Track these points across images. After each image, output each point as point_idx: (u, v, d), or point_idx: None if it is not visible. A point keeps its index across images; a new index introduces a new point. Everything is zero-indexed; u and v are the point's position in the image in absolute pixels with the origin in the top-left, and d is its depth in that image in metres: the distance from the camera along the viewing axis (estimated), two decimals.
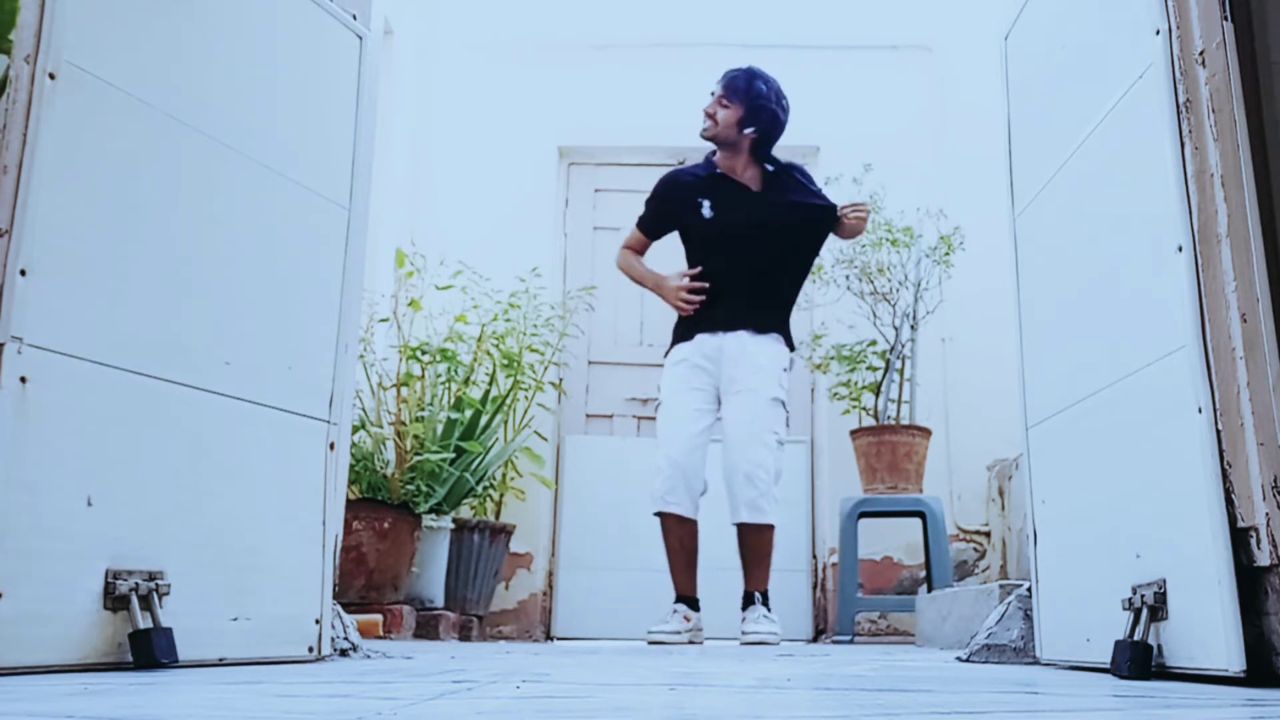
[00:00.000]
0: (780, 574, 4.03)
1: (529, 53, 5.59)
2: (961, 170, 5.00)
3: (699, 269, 3.84)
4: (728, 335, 3.77)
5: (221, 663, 1.85)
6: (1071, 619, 2.10)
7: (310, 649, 2.07)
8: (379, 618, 3.58)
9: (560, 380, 5.28)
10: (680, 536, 3.75)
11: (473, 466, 4.36)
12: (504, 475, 4.89)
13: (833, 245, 4.34)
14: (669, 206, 3.97)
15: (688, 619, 3.74)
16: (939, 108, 5.38)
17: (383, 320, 4.49)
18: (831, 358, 4.87)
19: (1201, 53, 1.72)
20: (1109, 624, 1.84)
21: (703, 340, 3.80)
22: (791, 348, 3.88)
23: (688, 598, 3.78)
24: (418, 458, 4.08)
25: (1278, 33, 1.73)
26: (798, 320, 3.94)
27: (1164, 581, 1.71)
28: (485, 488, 4.68)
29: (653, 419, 4.18)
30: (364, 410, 4.21)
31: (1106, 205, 2.00)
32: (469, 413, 4.39)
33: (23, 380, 1.56)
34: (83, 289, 1.68)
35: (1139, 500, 1.83)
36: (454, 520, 4.37)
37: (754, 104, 3.80)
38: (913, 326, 4.70)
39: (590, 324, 5.37)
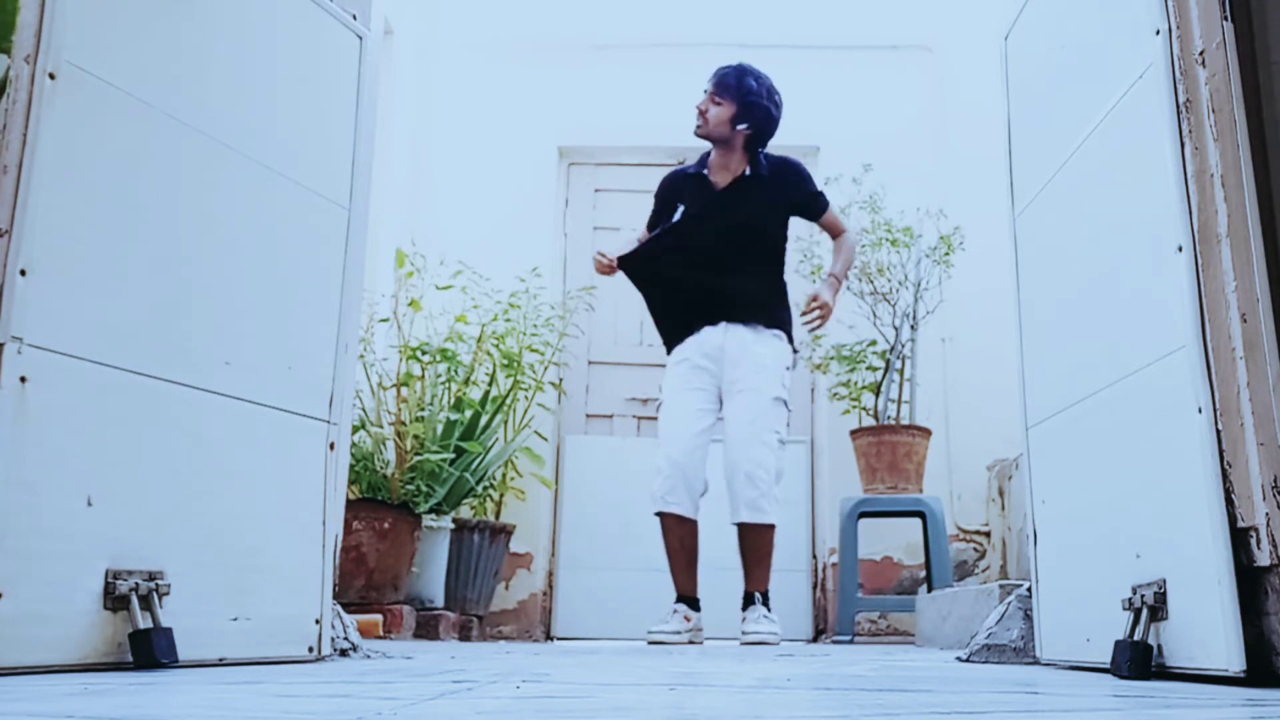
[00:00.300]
0: (780, 574, 4.03)
1: (529, 53, 5.59)
2: (961, 170, 5.00)
3: (614, 257, 3.88)
4: (728, 332, 3.77)
5: (221, 663, 1.85)
6: (1071, 619, 2.10)
7: (310, 649, 2.07)
8: (379, 618, 3.58)
9: (560, 380, 5.28)
10: (680, 536, 3.75)
11: (473, 466, 4.36)
12: (504, 475, 4.89)
13: (831, 246, 4.34)
14: (662, 205, 4.02)
15: (688, 619, 3.74)
16: (939, 108, 5.38)
17: (383, 320, 4.49)
18: (831, 358, 4.87)
19: (1201, 53, 1.72)
20: (1109, 624, 1.84)
21: (703, 340, 3.80)
22: (794, 347, 3.89)
23: (688, 598, 3.78)
24: (418, 458, 4.08)
25: (1278, 33, 1.73)
26: (797, 320, 3.94)
27: (1164, 581, 1.71)
28: (485, 488, 4.68)
29: (653, 419, 4.20)
30: (364, 410, 4.21)
31: (1106, 205, 2.00)
32: (469, 413, 4.39)
33: (23, 380, 1.57)
34: (83, 289, 1.68)
35: (1139, 500, 1.83)
36: (454, 520, 4.37)
37: (745, 100, 3.80)
38: (913, 326, 4.70)
39: (590, 324, 5.37)
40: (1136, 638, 1.72)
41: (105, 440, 1.71)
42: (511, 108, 5.53)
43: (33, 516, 1.57)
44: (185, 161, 1.90)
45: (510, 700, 1.27)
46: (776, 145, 3.98)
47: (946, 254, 4.69)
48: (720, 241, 3.81)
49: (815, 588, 5.15)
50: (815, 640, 4.99)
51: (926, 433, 4.59)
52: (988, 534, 5.05)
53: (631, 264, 3.89)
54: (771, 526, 3.71)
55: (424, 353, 4.41)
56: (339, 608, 2.27)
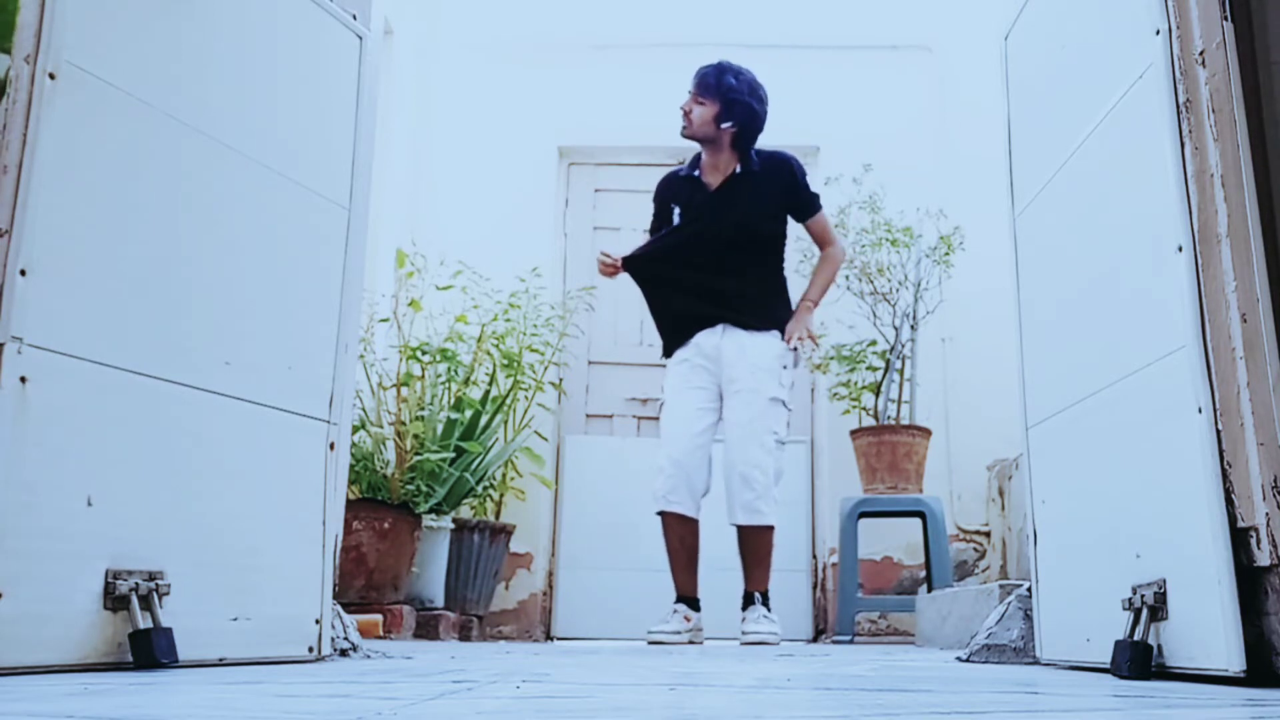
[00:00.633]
0: (780, 574, 4.03)
1: (529, 53, 5.59)
2: (961, 170, 5.00)
3: (619, 258, 3.87)
4: (725, 335, 3.77)
5: (221, 663, 1.85)
6: (1071, 619, 2.10)
7: (310, 649, 2.07)
8: (379, 618, 3.58)
9: (560, 380, 5.28)
10: (681, 535, 3.75)
11: (473, 466, 4.36)
12: (504, 475, 4.89)
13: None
14: (659, 209, 4.01)
15: (688, 619, 3.74)
16: (939, 108, 5.38)
17: (383, 320, 4.49)
18: (831, 358, 4.87)
19: (1201, 53, 1.72)
20: (1109, 624, 1.84)
21: (701, 342, 3.81)
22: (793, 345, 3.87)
23: (688, 598, 3.78)
24: (418, 458, 4.08)
25: (1278, 33, 1.73)
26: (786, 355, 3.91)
27: (1164, 581, 1.71)
28: (485, 488, 4.68)
29: (653, 419, 4.20)
30: (364, 410, 4.21)
31: (1106, 205, 2.00)
32: (469, 413, 4.39)
33: (23, 380, 1.56)
34: (83, 289, 1.68)
35: (1139, 500, 1.83)
36: (454, 520, 4.37)
37: (727, 98, 3.78)
38: (913, 326, 4.70)
39: (590, 324, 5.37)
40: (1136, 638, 1.72)
41: (105, 440, 1.71)
42: (511, 108, 5.53)
43: (33, 516, 1.57)
44: (185, 161, 1.90)
45: (510, 700, 1.27)
46: (777, 145, 3.98)
47: (946, 254, 4.69)
48: (715, 243, 3.80)
49: (815, 588, 5.15)
50: (815, 640, 4.99)
51: (926, 433, 4.59)
52: (988, 534, 5.05)
53: (636, 265, 3.90)
54: (769, 528, 3.70)
55: (424, 353, 4.41)
56: (339, 608, 2.27)
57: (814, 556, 5.19)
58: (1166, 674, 1.69)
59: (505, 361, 4.78)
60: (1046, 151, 2.26)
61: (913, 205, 4.77)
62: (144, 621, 1.69)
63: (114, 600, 1.68)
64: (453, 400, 4.46)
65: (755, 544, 3.72)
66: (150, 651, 1.66)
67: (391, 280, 4.64)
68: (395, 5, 4.97)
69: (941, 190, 4.93)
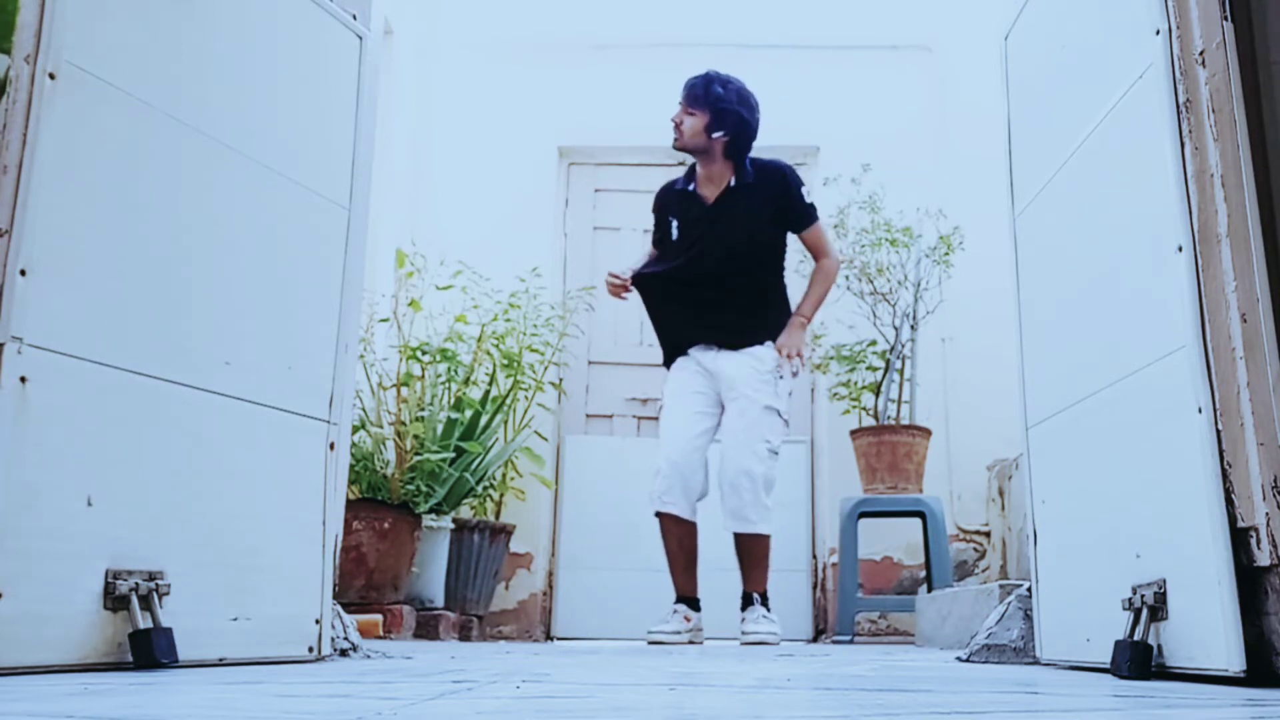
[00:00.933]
0: (780, 574, 4.04)
1: (529, 53, 5.59)
2: (961, 170, 5.00)
3: (629, 275, 3.87)
4: (720, 353, 3.77)
5: (221, 663, 1.85)
6: (1071, 619, 2.10)
7: (310, 649, 2.07)
8: (379, 618, 3.58)
9: (560, 380, 5.28)
10: (679, 537, 3.75)
11: (473, 466, 4.36)
12: (504, 475, 4.89)
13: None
14: (658, 222, 4.01)
15: (688, 619, 3.74)
16: (939, 108, 5.38)
17: (383, 320, 4.49)
18: (831, 358, 4.87)
19: (1201, 53, 1.72)
20: (1109, 624, 1.84)
21: (698, 355, 3.81)
22: None
23: (688, 598, 3.78)
24: (418, 458, 4.08)
25: (1278, 33, 1.73)
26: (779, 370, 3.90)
27: (1164, 581, 1.71)
28: (485, 488, 4.68)
29: (653, 419, 4.20)
30: (364, 410, 4.21)
31: (1106, 205, 2.00)
32: (469, 413, 4.39)
33: (23, 380, 1.57)
34: (83, 289, 1.68)
35: (1139, 500, 1.83)
36: (454, 520, 4.37)
37: (717, 108, 3.76)
38: (913, 326, 4.70)
39: (590, 324, 5.37)
40: (1136, 638, 1.72)
41: (105, 440, 1.71)
42: (511, 108, 5.53)
43: (33, 516, 1.57)
44: (185, 161, 1.90)
45: (510, 700, 1.27)
46: (777, 145, 3.98)
47: (946, 254, 4.69)
48: (712, 259, 3.77)
49: (815, 588, 5.15)
50: (815, 640, 4.99)
51: (926, 433, 4.59)
52: (988, 534, 5.05)
53: (644, 283, 3.89)
54: (762, 536, 3.70)
55: (424, 353, 4.40)
56: (339, 608, 2.27)
57: (814, 556, 5.19)
58: (1166, 674, 1.69)
59: (505, 361, 4.78)
60: (1046, 151, 2.26)
61: (912, 205, 4.77)
62: (144, 621, 1.69)
63: (114, 600, 1.68)
64: (453, 400, 4.46)
65: (750, 549, 3.72)
66: (150, 651, 1.66)
67: (391, 280, 4.64)
68: (395, 5, 4.97)
69: (941, 190, 4.93)
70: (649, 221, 4.08)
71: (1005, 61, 2.53)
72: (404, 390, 4.28)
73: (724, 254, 3.77)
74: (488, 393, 4.58)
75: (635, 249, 4.27)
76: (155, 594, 1.72)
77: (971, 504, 5.04)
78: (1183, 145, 1.72)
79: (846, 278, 4.69)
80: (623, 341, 5.52)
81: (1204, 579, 1.60)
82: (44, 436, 1.60)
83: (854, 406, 4.76)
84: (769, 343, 3.77)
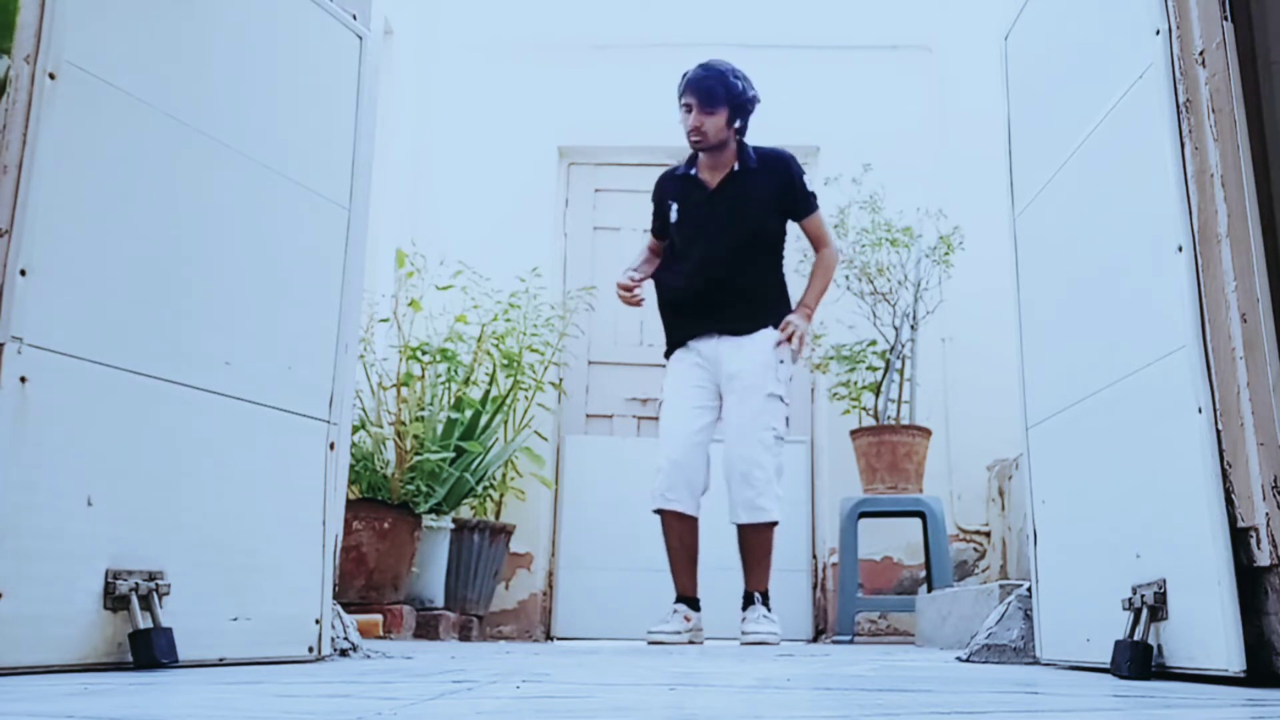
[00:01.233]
0: (780, 574, 4.03)
1: (529, 53, 5.59)
2: (961, 170, 5.00)
3: (641, 276, 3.90)
4: (721, 340, 3.77)
5: (221, 663, 1.85)
6: (1071, 619, 2.10)
7: (310, 649, 2.07)
8: (379, 618, 3.58)
9: (560, 380, 5.28)
10: (680, 534, 3.75)
11: (473, 466, 4.36)
12: (504, 475, 4.89)
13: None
14: (657, 209, 4.02)
15: (688, 619, 3.74)
16: (939, 108, 5.38)
17: (383, 320, 4.49)
18: (831, 358, 4.87)
19: (1201, 53, 1.72)
20: (1109, 624, 1.84)
21: (698, 345, 3.81)
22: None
23: (688, 598, 3.78)
24: (418, 458, 4.08)
25: (1278, 33, 1.73)
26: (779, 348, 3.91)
27: (1164, 581, 1.71)
28: (485, 488, 4.68)
29: (653, 419, 4.20)
30: (364, 410, 4.21)
31: (1106, 205, 2.00)
32: (469, 413, 4.39)
33: (23, 380, 1.56)
34: (83, 289, 1.68)
35: (1139, 500, 1.83)
36: (454, 520, 4.37)
37: (736, 102, 3.78)
38: (913, 326, 4.70)
39: (590, 324, 5.37)
40: (1136, 638, 1.72)
41: (105, 440, 1.70)
42: (511, 108, 5.53)
43: (33, 516, 1.57)
44: (185, 161, 1.90)
45: (510, 700, 1.27)
46: (777, 145, 3.97)
47: (946, 254, 4.69)
48: (715, 243, 3.79)
49: (815, 588, 5.15)
50: (815, 640, 4.99)
51: (926, 433, 4.59)
52: (988, 534, 5.05)
53: (657, 278, 3.96)
54: (771, 526, 3.70)
55: (424, 353, 4.40)
56: (339, 608, 2.27)
57: (814, 556, 5.19)
58: (1166, 674, 1.69)
59: (505, 361, 4.78)
60: (1046, 151, 2.26)
61: (913, 205, 4.77)
62: (144, 621, 1.69)
63: (114, 600, 1.68)
64: (453, 400, 4.46)
65: (756, 542, 3.71)
66: (150, 651, 1.66)
67: (391, 280, 4.64)
68: (395, 5, 4.97)
69: (941, 190, 4.93)
70: (648, 220, 4.08)
71: (1005, 61, 2.53)
72: (404, 390, 4.28)
73: (723, 236, 3.78)
74: (488, 393, 4.58)
75: (635, 249, 4.25)
76: (155, 594, 1.72)
77: (971, 504, 5.04)
78: (1183, 145, 1.72)
79: (846, 277, 4.69)
80: (623, 341, 5.52)
81: (1204, 579, 1.60)
82: (44, 436, 1.60)
83: (854, 406, 4.76)
84: (772, 328, 3.78)
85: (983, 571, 4.99)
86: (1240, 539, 1.59)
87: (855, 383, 4.80)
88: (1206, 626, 1.59)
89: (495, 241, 5.16)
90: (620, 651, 3.07)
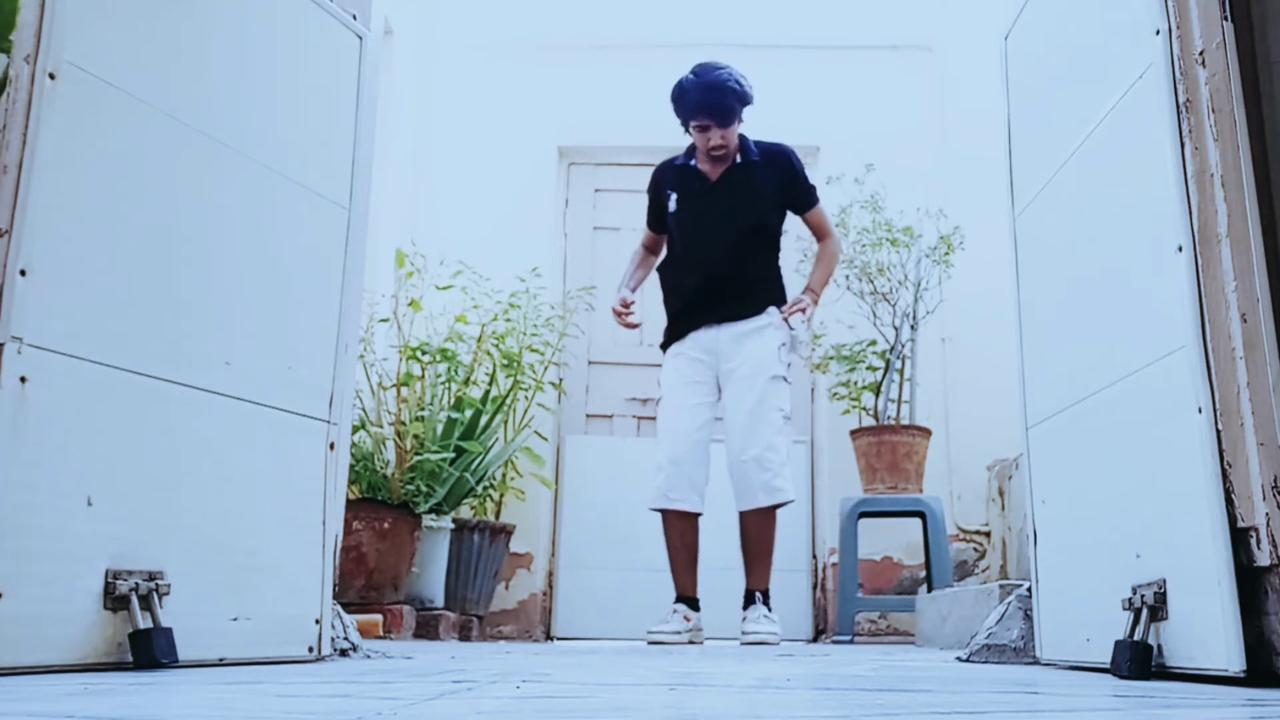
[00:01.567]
0: (780, 574, 4.03)
1: (529, 53, 5.59)
2: (961, 170, 5.00)
3: (633, 300, 3.94)
4: (721, 328, 3.79)
5: (221, 663, 1.85)
6: (1071, 619, 2.10)
7: (310, 649, 2.07)
8: (379, 618, 3.58)
9: (560, 380, 5.28)
10: (681, 532, 3.75)
11: (473, 466, 4.36)
12: (504, 475, 4.89)
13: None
14: (654, 199, 4.03)
15: (688, 619, 3.74)
16: (939, 108, 5.38)
17: (383, 320, 4.49)
18: (831, 358, 4.87)
19: (1201, 53, 1.72)
20: (1109, 624, 1.84)
21: (698, 336, 3.82)
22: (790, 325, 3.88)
23: (688, 598, 3.78)
24: (418, 458, 4.08)
25: (1278, 33, 1.73)
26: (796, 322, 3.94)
27: (1164, 581, 1.71)
28: (485, 488, 4.68)
29: (653, 419, 4.20)
30: (364, 410, 4.21)
31: (1106, 205, 2.00)
32: (469, 413, 4.39)
33: (23, 380, 1.56)
34: (83, 289, 1.68)
35: (1139, 500, 1.83)
36: (454, 520, 4.37)
37: (746, 105, 3.80)
38: (913, 326, 4.70)
39: (590, 324, 5.37)
40: (1136, 638, 1.72)
41: (105, 440, 1.70)
42: (511, 108, 5.53)
43: (33, 516, 1.57)
44: (185, 161, 1.90)
45: (510, 700, 1.27)
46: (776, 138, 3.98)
47: (946, 254, 4.69)
48: (718, 236, 3.81)
49: (815, 588, 5.15)
50: (815, 640, 4.99)
51: (926, 433, 4.59)
52: (988, 534, 5.05)
53: (660, 270, 4.00)
54: (774, 512, 3.70)
55: (424, 353, 4.40)
56: (339, 608, 2.27)
57: (814, 556, 5.19)
58: (1166, 674, 1.69)
59: (505, 361, 4.78)
60: (1046, 151, 2.26)
61: (913, 205, 4.77)
62: (144, 621, 1.69)
63: (114, 600, 1.68)
64: (453, 400, 4.46)
65: (761, 532, 3.71)
66: (150, 651, 1.66)
67: (391, 280, 4.64)
68: (395, 5, 4.97)
69: (941, 190, 4.93)
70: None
71: (1005, 61, 2.53)
72: (404, 390, 4.28)
73: (725, 228, 3.80)
74: (488, 393, 4.58)
75: (635, 249, 4.24)
76: (155, 594, 1.72)
77: (971, 504, 5.04)
78: (1183, 145, 1.72)
79: (846, 277, 4.69)
80: (623, 341, 5.51)
81: (1204, 579, 1.60)
82: (44, 436, 1.60)
83: (854, 406, 4.76)
84: (772, 309, 3.80)
85: (983, 571, 4.99)
86: (1240, 539, 1.59)
87: (855, 383, 4.80)
88: (1206, 626, 1.59)
89: (495, 241, 5.16)
90: (620, 651, 3.07)
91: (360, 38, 2.37)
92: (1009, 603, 2.43)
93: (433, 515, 4.18)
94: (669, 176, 3.97)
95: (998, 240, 2.57)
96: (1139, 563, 1.80)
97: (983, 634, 2.41)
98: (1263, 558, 1.56)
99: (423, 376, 4.42)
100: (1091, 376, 2.01)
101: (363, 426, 4.16)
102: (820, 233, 4.00)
